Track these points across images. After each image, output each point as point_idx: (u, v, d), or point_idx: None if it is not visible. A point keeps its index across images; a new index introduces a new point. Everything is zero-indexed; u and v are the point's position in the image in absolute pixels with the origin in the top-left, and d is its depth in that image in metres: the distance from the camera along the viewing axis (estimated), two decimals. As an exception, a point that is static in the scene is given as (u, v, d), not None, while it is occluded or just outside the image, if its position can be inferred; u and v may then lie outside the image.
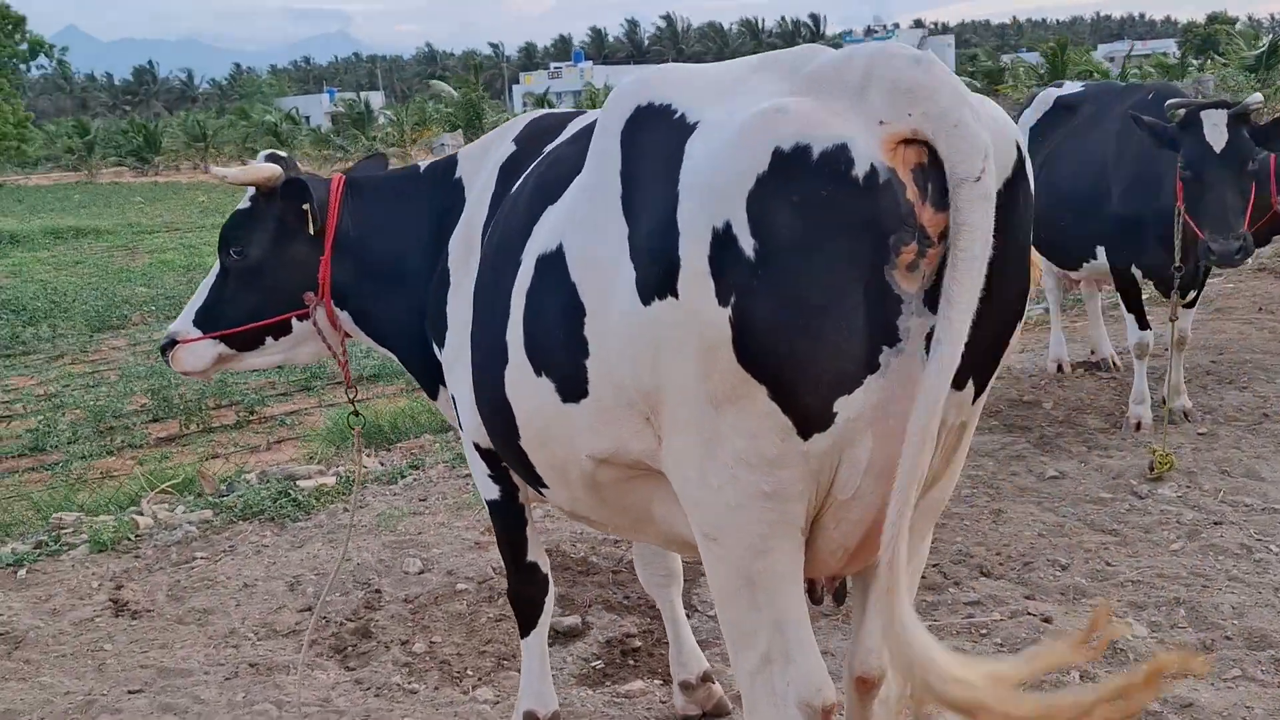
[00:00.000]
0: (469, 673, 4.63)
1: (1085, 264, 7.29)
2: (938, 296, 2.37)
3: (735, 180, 2.38)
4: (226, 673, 4.72)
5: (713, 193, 2.42)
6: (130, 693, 4.62)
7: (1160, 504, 5.83)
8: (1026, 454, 6.73)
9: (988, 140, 2.31)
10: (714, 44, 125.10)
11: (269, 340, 4.06)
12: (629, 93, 2.81)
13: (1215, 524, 5.54)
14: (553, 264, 2.93)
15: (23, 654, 5.04)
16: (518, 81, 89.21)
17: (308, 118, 68.94)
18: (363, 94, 63.02)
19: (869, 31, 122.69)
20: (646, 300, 2.58)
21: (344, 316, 4.00)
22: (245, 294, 4.00)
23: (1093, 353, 8.49)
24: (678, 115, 2.67)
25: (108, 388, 12.65)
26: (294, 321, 4.02)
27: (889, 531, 2.34)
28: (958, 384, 2.49)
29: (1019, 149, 2.49)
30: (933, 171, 2.33)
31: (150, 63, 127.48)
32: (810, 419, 2.45)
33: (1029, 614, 4.71)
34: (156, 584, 5.70)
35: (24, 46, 55.08)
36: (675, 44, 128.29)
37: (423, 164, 4.11)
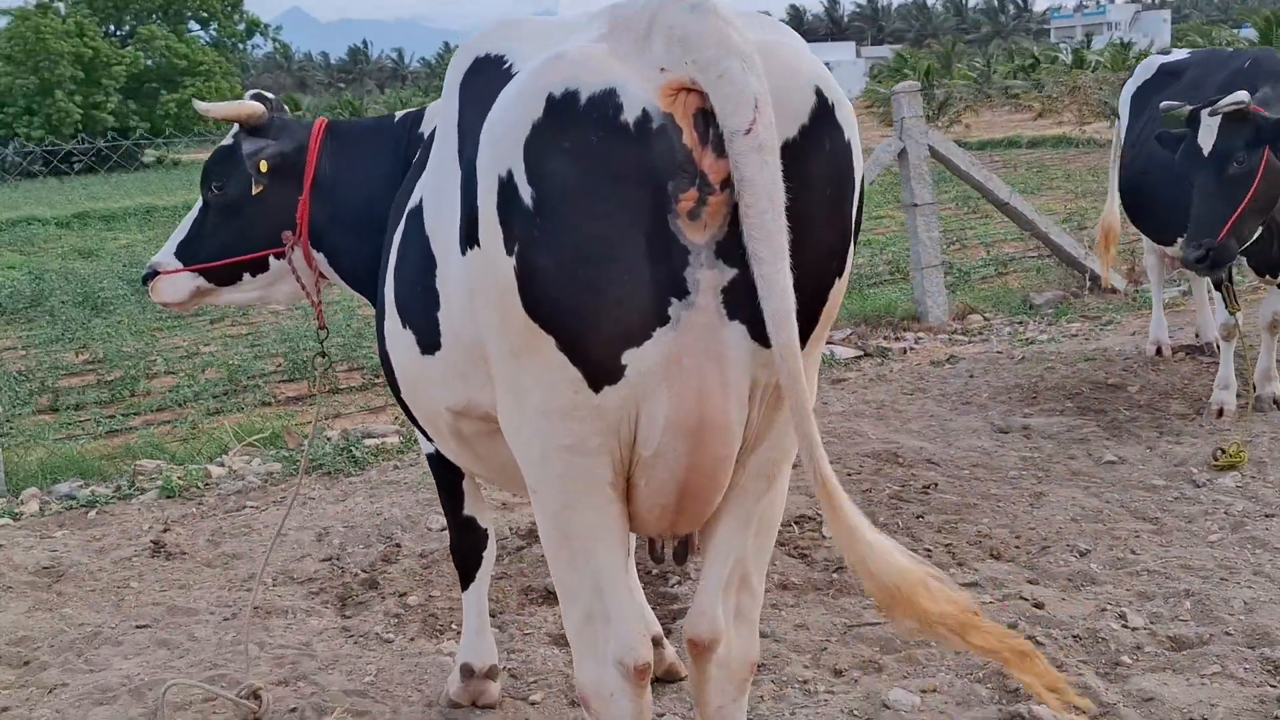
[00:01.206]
0: (452, 627, 4.70)
1: (1180, 238, 6.89)
2: (732, 248, 2.31)
3: (514, 128, 2.36)
4: (228, 614, 4.92)
5: (497, 141, 2.41)
6: (137, 627, 4.86)
7: (1215, 494, 5.49)
8: (1092, 437, 6.41)
9: (758, 91, 2.22)
10: (916, 21, 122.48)
11: (246, 277, 4.19)
12: (470, 45, 2.83)
13: (1266, 516, 5.19)
14: (414, 218, 2.99)
15: (59, 587, 5.35)
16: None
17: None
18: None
19: (1079, 7, 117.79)
20: (463, 250, 2.59)
21: (320, 258, 4.09)
22: (224, 230, 4.15)
23: (1196, 336, 8.02)
24: (506, 65, 2.67)
25: (253, 349, 13.22)
26: (271, 260, 4.14)
27: (805, 459, 2.45)
28: (764, 342, 2.41)
29: (821, 96, 2.38)
30: (715, 118, 2.26)
31: (365, 42, 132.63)
32: (599, 371, 2.41)
33: (1022, 599, 4.51)
34: (200, 530, 5.96)
35: (241, 26, 57.86)
36: (875, 21, 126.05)
37: (399, 114, 4.17)
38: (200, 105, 4.19)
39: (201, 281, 4.22)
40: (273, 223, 4.07)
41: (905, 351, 8.91)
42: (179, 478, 6.79)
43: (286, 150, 4.05)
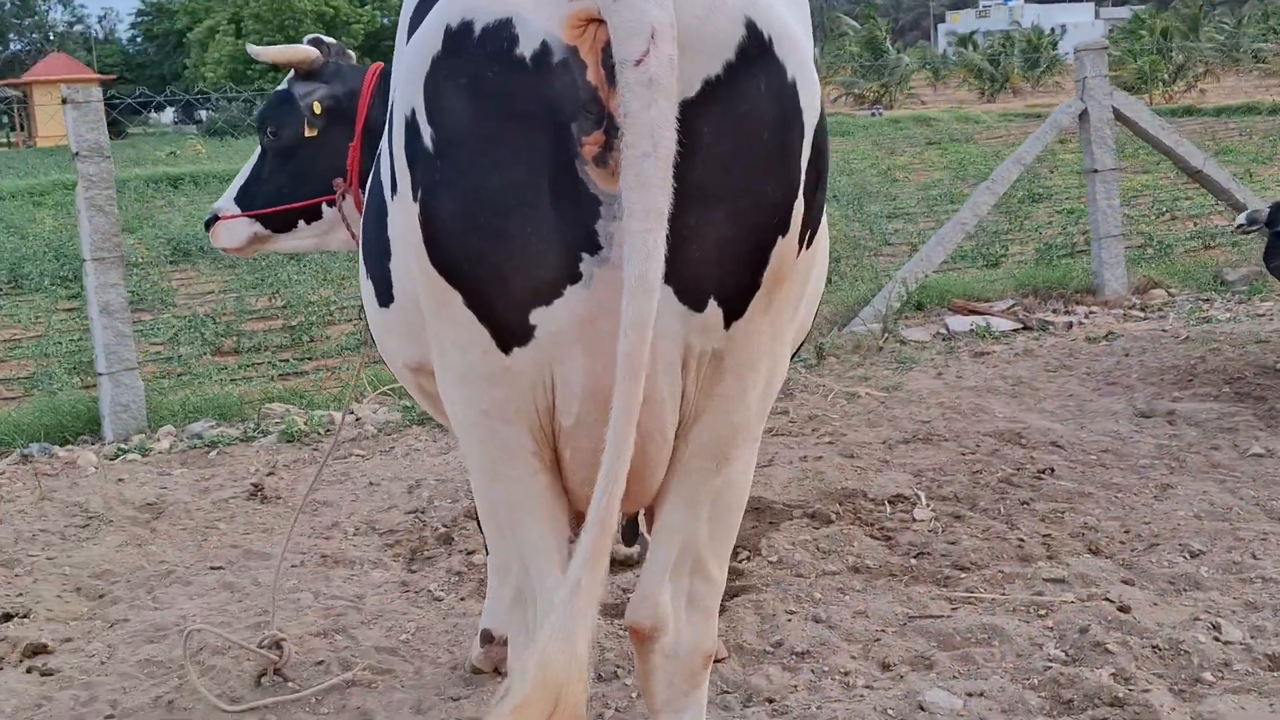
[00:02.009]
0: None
1: None
2: None
3: (417, 64, 2.18)
4: (295, 560, 4.93)
5: (404, 79, 2.24)
6: (211, 568, 4.93)
7: (1369, 498, 4.91)
8: (1242, 427, 5.83)
9: (657, 20, 1.96)
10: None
11: (300, 224, 4.18)
12: None
13: None
14: (377, 163, 2.83)
15: (156, 524, 5.49)
16: (943, 20, 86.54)
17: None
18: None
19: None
20: (391, 195, 2.43)
21: None
22: (278, 176, 4.15)
23: (1393, 320, 7.25)
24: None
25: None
26: (324, 207, 4.11)
27: (601, 475, 2.04)
28: (696, 306, 2.18)
29: (753, 29, 2.10)
30: None
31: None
32: (506, 331, 2.21)
33: (1107, 600, 4.09)
34: (303, 475, 6.03)
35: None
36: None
37: None
38: (256, 50, 4.16)
39: (258, 228, 4.23)
40: (325, 170, 4.02)
41: (1070, 326, 8.36)
42: (303, 423, 6.91)
43: (339, 95, 4.01)
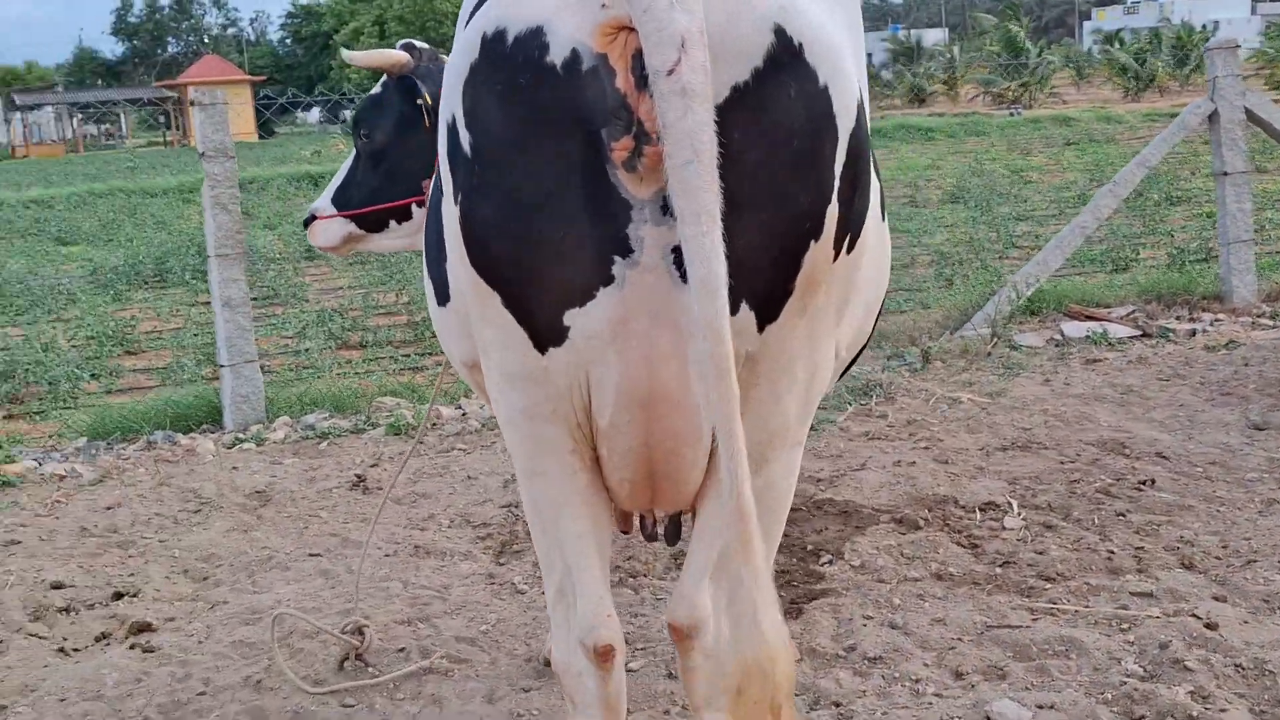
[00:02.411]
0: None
1: None
2: None
3: (458, 71, 2.26)
4: (389, 550, 5.08)
5: (448, 85, 2.31)
6: (309, 555, 5.10)
7: None
8: (1369, 439, 5.61)
9: (686, 29, 1.99)
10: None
11: (392, 224, 4.32)
12: None
13: None
14: (437, 167, 2.91)
15: (263, 510, 5.70)
16: (1089, 17, 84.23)
17: (869, 55, 69.05)
18: (920, 30, 62.30)
19: None
20: (441, 198, 2.51)
21: None
22: (371, 177, 4.29)
23: None
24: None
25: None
26: (414, 207, 4.24)
27: (725, 475, 2.10)
28: (730, 310, 2.20)
29: (782, 35, 2.11)
30: None
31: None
32: (542, 331, 2.27)
33: (1194, 616, 3.98)
34: (405, 469, 6.18)
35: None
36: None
37: None
38: (348, 54, 4.30)
39: (353, 227, 4.37)
40: (415, 171, 4.14)
41: (1192, 334, 8.11)
42: (411, 416, 7.08)
43: (429, 97, 4.11)
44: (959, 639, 4.00)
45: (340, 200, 4.36)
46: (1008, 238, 13.92)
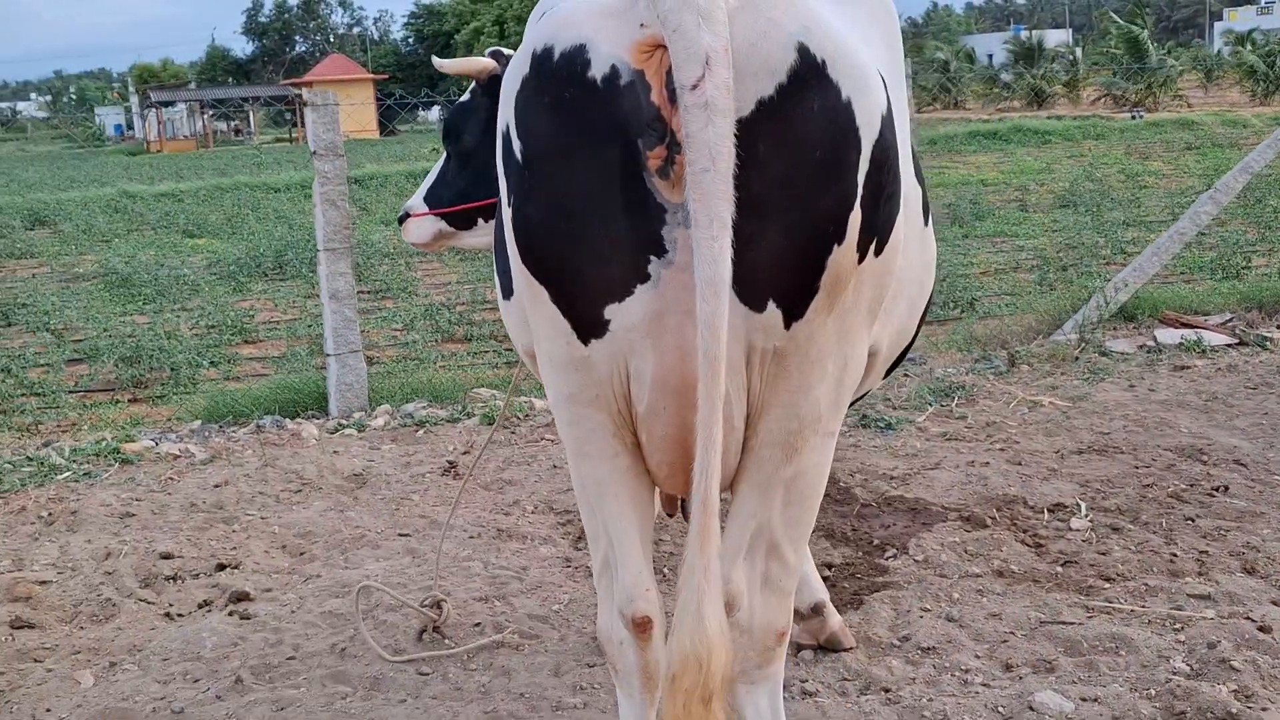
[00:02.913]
0: (665, 573, 4.85)
1: None
2: None
3: (510, 84, 2.47)
4: (473, 533, 5.33)
5: (503, 97, 2.52)
6: (399, 535, 5.38)
7: None
8: None
9: (710, 47, 2.18)
10: None
11: (480, 222, 4.55)
12: None
13: None
14: None
15: (359, 492, 6.00)
16: (1220, 18, 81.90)
17: (990, 55, 68.08)
18: (1043, 31, 61.27)
19: None
20: (502, 200, 2.72)
21: None
22: (460, 178, 4.55)
23: None
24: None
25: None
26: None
27: (697, 464, 2.26)
28: (756, 307, 2.39)
29: (805, 53, 2.28)
30: None
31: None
32: (585, 324, 2.47)
33: (1248, 619, 4.04)
34: (495, 455, 6.45)
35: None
36: None
37: None
38: (438, 62, 4.55)
39: (443, 225, 4.62)
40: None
41: (1293, 343, 8.02)
42: (498, 409, 7.34)
43: None
44: (1012, 633, 4.11)
45: (432, 199, 4.59)
46: (1116, 243, 13.77)
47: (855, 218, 2.39)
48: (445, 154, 4.63)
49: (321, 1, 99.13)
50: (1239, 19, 75.04)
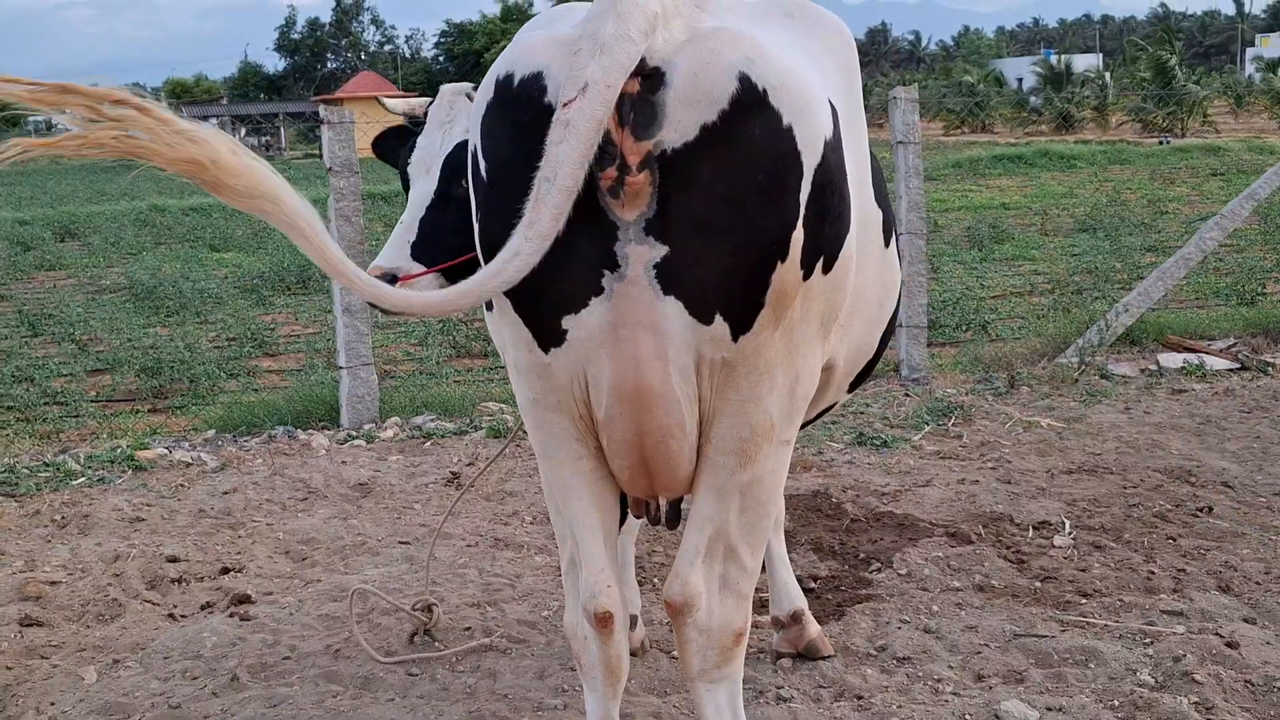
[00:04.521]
0: (653, 581, 4.97)
1: None
2: (662, 226, 2.44)
3: (478, 109, 2.63)
4: (471, 541, 5.47)
5: (472, 120, 2.68)
6: (400, 542, 5.52)
7: None
8: None
9: (592, 77, 2.34)
10: None
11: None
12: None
13: None
14: None
15: (363, 501, 6.15)
16: (1253, 44, 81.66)
17: (1020, 79, 68.04)
18: (1072, 56, 61.27)
19: None
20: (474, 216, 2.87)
21: None
22: (468, 227, 4.32)
23: None
24: None
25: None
26: None
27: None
28: (703, 319, 2.52)
29: (746, 83, 2.41)
30: (639, 101, 2.40)
31: (884, 24, 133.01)
32: (544, 333, 2.61)
33: (1217, 635, 4.13)
34: (497, 468, 6.58)
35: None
36: None
37: None
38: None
39: (444, 281, 3.89)
40: None
41: (1294, 369, 8.08)
42: (511, 420, 7.49)
43: None
44: (986, 645, 4.22)
45: (426, 255, 3.88)
46: (1133, 268, 13.82)
47: (798, 237, 2.53)
48: (437, 200, 3.93)
49: (354, 19, 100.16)
50: (1270, 45, 74.81)
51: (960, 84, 53.32)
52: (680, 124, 2.41)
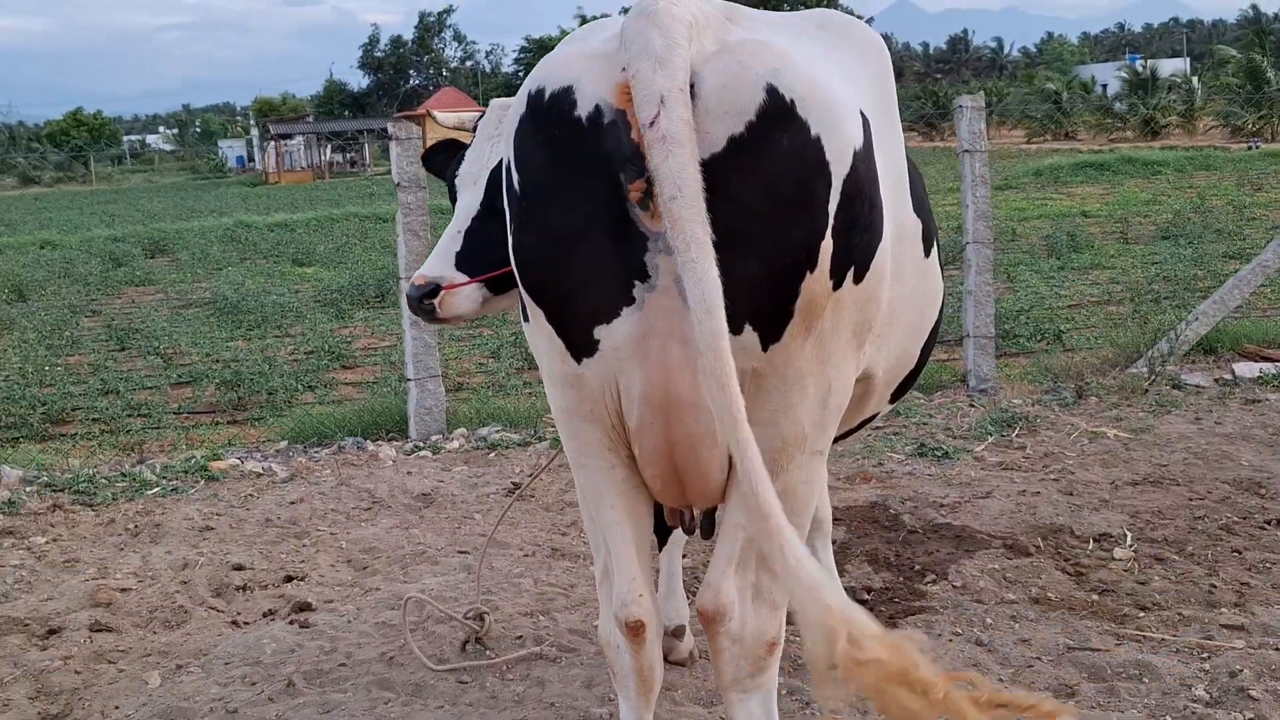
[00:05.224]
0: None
1: None
2: None
3: (510, 122, 2.68)
4: (529, 551, 5.52)
5: (505, 133, 2.72)
6: (458, 552, 5.59)
7: None
8: None
9: (664, 88, 2.36)
10: None
11: None
12: None
13: None
14: None
15: (425, 511, 6.24)
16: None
17: (1104, 85, 66.97)
18: (1158, 61, 60.23)
19: None
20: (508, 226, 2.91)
21: None
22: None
23: None
24: None
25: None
26: None
27: (740, 472, 2.34)
28: (733, 329, 2.52)
29: (774, 94, 2.43)
30: None
31: (965, 31, 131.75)
32: (576, 343, 2.65)
33: (1277, 650, 4.05)
34: (558, 477, 6.63)
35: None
36: None
37: None
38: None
39: (487, 290, 3.96)
40: None
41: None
42: (573, 432, 7.54)
43: None
44: (1038, 658, 4.17)
45: (471, 265, 3.88)
46: (1215, 276, 13.54)
47: (827, 247, 2.53)
48: (482, 210, 3.93)
49: (436, 36, 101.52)
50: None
51: (1043, 91, 52.57)
52: (707, 136, 2.44)
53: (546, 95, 2.54)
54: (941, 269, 3.41)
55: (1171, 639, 4.21)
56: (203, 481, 6.95)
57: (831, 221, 2.52)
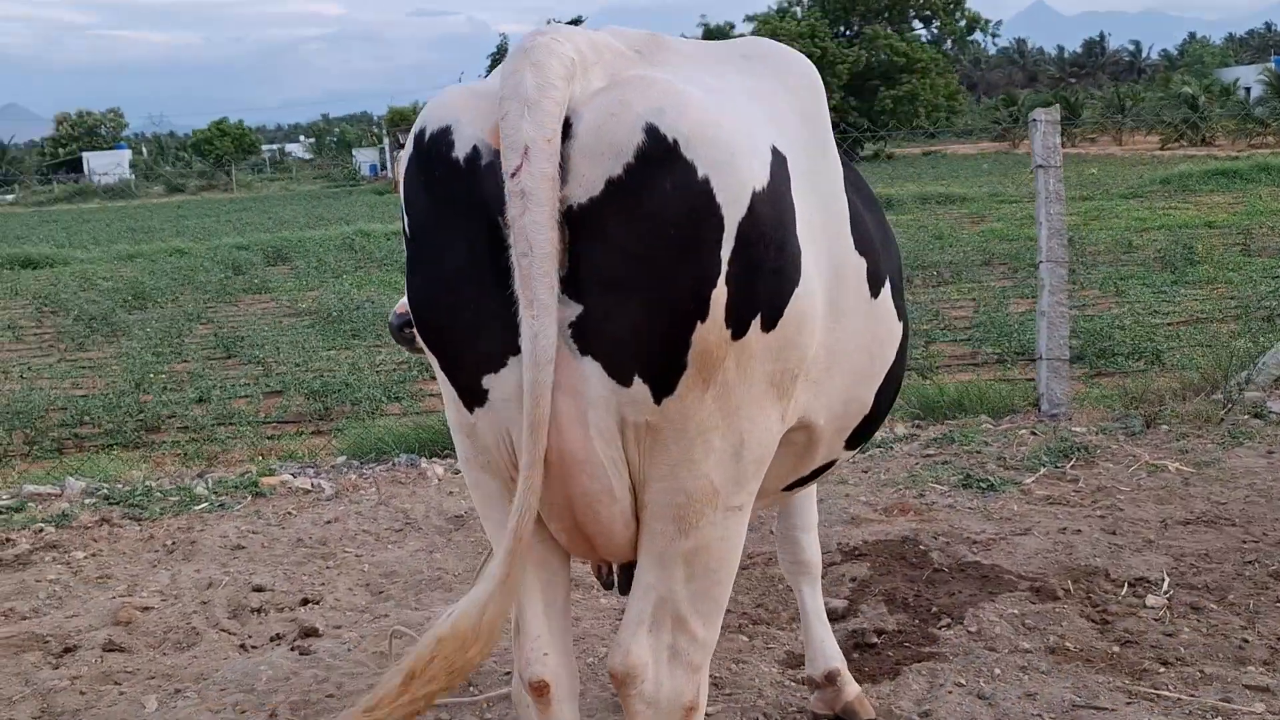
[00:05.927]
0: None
1: None
2: (577, 283, 2.34)
3: (403, 164, 2.56)
4: (543, 580, 5.42)
5: (401, 175, 2.62)
6: (475, 579, 5.52)
7: None
8: None
9: (529, 138, 2.23)
10: None
11: None
12: None
13: None
14: None
15: (454, 534, 6.19)
16: None
17: (1247, 89, 64.44)
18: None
19: None
20: None
21: None
22: None
23: None
24: None
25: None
26: None
27: (513, 514, 2.42)
28: (622, 381, 2.40)
29: (654, 134, 2.28)
30: None
31: (1101, 35, 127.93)
32: (467, 392, 2.54)
33: (1303, 712, 3.75)
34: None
35: (962, 23, 58.70)
36: None
37: None
38: None
39: None
40: None
41: None
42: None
43: None
44: (1040, 715, 3.93)
45: None
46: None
47: (720, 294, 2.37)
48: None
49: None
50: None
51: (1179, 95, 50.81)
52: (584, 178, 2.31)
53: (427, 135, 2.45)
54: (903, 311, 3.21)
55: (1188, 699, 3.94)
56: (250, 497, 7.02)
57: (725, 267, 2.37)
